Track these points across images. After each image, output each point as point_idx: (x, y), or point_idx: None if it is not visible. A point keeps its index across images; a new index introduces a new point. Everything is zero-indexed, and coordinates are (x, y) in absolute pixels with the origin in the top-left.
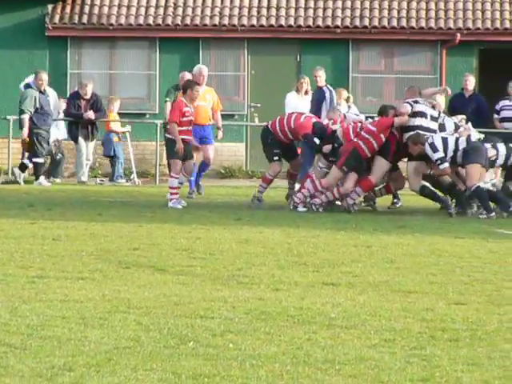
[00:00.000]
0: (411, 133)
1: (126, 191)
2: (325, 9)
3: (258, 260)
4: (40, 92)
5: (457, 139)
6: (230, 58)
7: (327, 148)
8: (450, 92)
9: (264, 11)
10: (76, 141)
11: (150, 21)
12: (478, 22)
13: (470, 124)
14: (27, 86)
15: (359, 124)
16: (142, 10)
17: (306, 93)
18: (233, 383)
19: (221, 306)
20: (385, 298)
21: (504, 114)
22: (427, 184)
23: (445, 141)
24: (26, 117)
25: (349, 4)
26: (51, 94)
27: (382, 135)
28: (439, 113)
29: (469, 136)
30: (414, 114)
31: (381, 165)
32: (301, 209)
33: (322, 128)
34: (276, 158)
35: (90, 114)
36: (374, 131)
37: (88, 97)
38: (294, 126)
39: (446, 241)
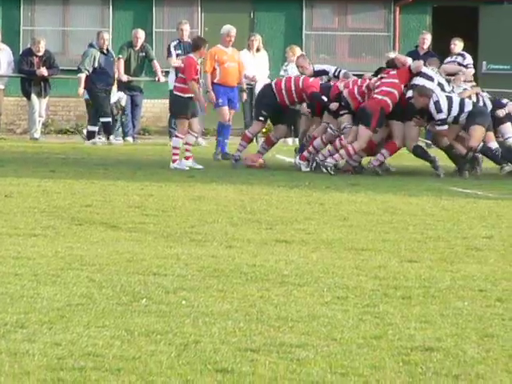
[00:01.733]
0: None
1: (80, 148)
2: None
3: (210, 217)
4: (101, 52)
5: (462, 100)
6: (184, 15)
7: (334, 105)
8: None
9: None
10: (29, 97)
11: None
12: None
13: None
14: (90, 45)
15: (359, 81)
16: None
17: (258, 50)
18: (185, 340)
19: (173, 264)
20: (338, 256)
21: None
22: (421, 144)
23: (450, 100)
24: (82, 76)
25: None
26: (5, 50)
27: (402, 85)
28: (452, 87)
29: (475, 100)
30: (420, 74)
31: (400, 128)
32: (304, 168)
33: (329, 88)
34: (262, 118)
35: (43, 71)
36: (397, 83)
37: (41, 54)
38: (303, 85)
39: (399, 199)
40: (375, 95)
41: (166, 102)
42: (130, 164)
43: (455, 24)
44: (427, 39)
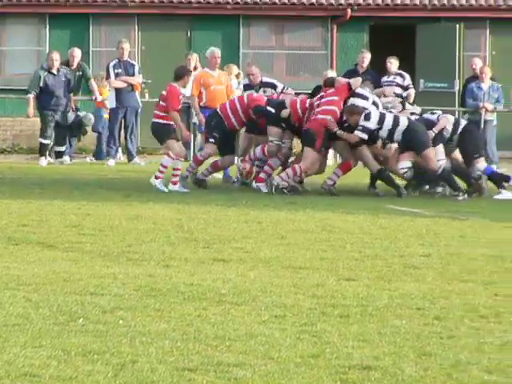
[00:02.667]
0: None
1: (17, 168)
2: None
3: (148, 236)
4: (50, 72)
5: (396, 117)
6: (121, 33)
7: (286, 112)
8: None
9: None
10: None
11: None
12: None
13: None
14: (42, 66)
15: (307, 100)
16: None
17: (195, 69)
18: (122, 360)
19: (111, 283)
20: (275, 274)
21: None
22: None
23: (382, 116)
24: (29, 96)
25: None
26: None
27: (341, 102)
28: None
29: (409, 118)
30: (355, 95)
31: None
32: (264, 189)
33: (275, 101)
34: (212, 140)
35: None
36: (336, 100)
37: None
38: (248, 101)
39: (337, 217)
40: (317, 115)
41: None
42: (66, 183)
43: (392, 42)
44: (366, 57)
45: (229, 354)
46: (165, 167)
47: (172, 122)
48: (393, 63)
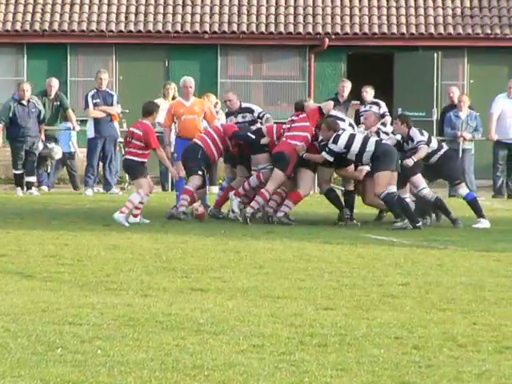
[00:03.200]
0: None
1: None
2: (193, 14)
3: (126, 266)
4: (20, 103)
5: (365, 140)
6: (98, 63)
7: (266, 139)
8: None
9: (132, 17)
10: None
11: (18, 27)
12: (346, 26)
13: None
14: (13, 96)
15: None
16: (10, 16)
17: (174, 98)
18: None
19: (89, 313)
20: (253, 304)
21: (362, 119)
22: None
23: (351, 138)
24: None
25: (217, 9)
26: None
27: (313, 127)
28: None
29: (379, 140)
30: (332, 117)
31: (309, 177)
32: (236, 208)
33: (247, 128)
34: (200, 172)
35: None
36: (308, 126)
37: None
38: (224, 131)
39: (315, 246)
40: (288, 140)
41: (84, 150)
42: (45, 213)
43: (370, 71)
44: (347, 87)
45: (207, 383)
46: (132, 203)
47: (145, 160)
48: (368, 92)
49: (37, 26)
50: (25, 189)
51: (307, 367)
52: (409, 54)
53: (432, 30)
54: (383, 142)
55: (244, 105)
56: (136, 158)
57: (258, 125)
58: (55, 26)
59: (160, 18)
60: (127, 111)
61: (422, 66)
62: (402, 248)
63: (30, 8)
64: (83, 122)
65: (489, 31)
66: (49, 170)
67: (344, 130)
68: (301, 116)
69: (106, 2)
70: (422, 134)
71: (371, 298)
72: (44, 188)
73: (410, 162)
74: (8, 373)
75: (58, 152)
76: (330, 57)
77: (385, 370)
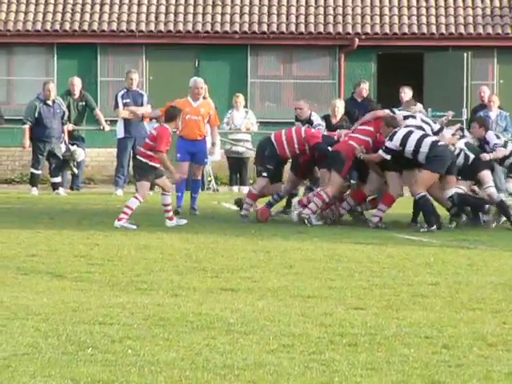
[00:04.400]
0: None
1: (26, 198)
2: (223, 14)
3: (156, 266)
4: (45, 103)
5: (420, 139)
6: (128, 63)
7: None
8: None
9: (162, 17)
10: None
11: (48, 27)
12: (376, 26)
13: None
14: (38, 96)
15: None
16: (40, 16)
17: (204, 98)
18: None
19: (119, 312)
20: (283, 303)
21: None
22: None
23: (407, 135)
24: (25, 127)
25: (247, 9)
26: None
27: (377, 134)
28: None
29: (436, 141)
30: (405, 117)
31: (395, 177)
32: (315, 222)
33: (331, 138)
34: (265, 174)
35: None
36: (372, 131)
37: None
38: (305, 135)
39: (345, 246)
40: (349, 141)
41: (111, 150)
42: (75, 213)
43: (400, 71)
44: (364, 88)
45: (237, 383)
46: (130, 209)
47: (157, 165)
48: (407, 93)
49: (67, 26)
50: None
51: (337, 367)
52: (438, 54)
53: (462, 29)
54: (440, 143)
55: (312, 117)
56: (146, 161)
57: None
58: (85, 26)
59: (190, 18)
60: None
61: (452, 65)
62: (431, 248)
63: (60, 8)
64: (113, 122)
65: None
66: (75, 172)
67: (407, 127)
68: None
69: (136, 1)
70: (498, 137)
71: (401, 297)
72: (61, 190)
73: (486, 156)
74: (39, 372)
75: (80, 154)
76: (359, 57)
77: (415, 370)
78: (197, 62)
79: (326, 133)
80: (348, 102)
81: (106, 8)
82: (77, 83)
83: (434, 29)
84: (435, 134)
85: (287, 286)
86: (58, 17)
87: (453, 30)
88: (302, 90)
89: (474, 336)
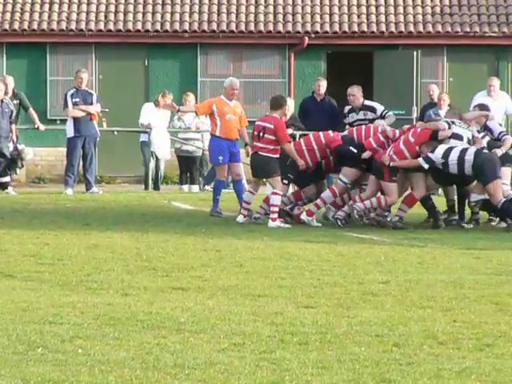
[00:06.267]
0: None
1: None
2: (172, 13)
3: (106, 265)
4: None
5: (463, 150)
6: (78, 63)
7: (368, 153)
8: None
9: (112, 16)
10: None
11: None
12: (326, 25)
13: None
14: None
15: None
16: None
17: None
18: None
19: (69, 312)
20: (234, 302)
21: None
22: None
23: (448, 149)
24: None
25: (196, 8)
26: None
27: (417, 147)
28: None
29: (480, 149)
30: (450, 136)
31: (421, 179)
32: (315, 223)
33: (351, 139)
34: (286, 181)
35: None
36: (413, 142)
37: None
38: (325, 141)
39: (296, 245)
40: (387, 149)
41: (61, 150)
42: (25, 213)
43: (350, 69)
44: (322, 85)
45: (188, 382)
46: (276, 206)
47: (278, 156)
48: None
49: (16, 26)
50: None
51: (288, 365)
52: (388, 53)
53: (411, 28)
54: (484, 151)
55: (367, 102)
56: (271, 155)
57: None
58: (34, 26)
59: (139, 16)
60: (107, 110)
61: (402, 64)
62: (382, 246)
63: (10, 7)
64: (63, 122)
65: (468, 29)
66: (17, 173)
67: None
68: (415, 130)
69: (85, 1)
70: (500, 125)
71: (352, 296)
72: (10, 190)
73: (498, 151)
74: None
75: (28, 153)
76: (309, 55)
77: (365, 368)
78: (146, 61)
79: (384, 121)
80: (307, 100)
81: (56, 7)
82: (10, 82)
83: (383, 27)
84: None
85: (238, 285)
86: (8, 16)
87: (402, 28)
88: (252, 88)
89: (424, 334)
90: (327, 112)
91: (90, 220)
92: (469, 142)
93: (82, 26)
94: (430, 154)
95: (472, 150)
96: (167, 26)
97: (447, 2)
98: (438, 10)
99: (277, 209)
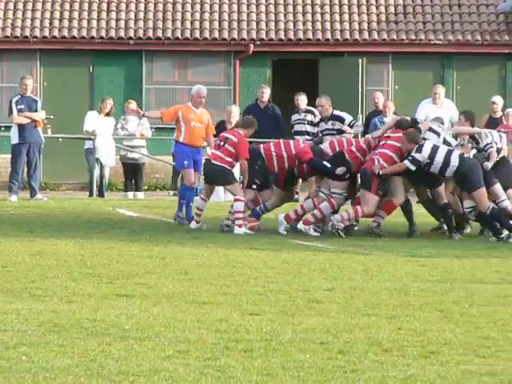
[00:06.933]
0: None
1: None
2: (117, 20)
3: (51, 272)
4: None
5: (449, 152)
6: (23, 69)
7: (342, 170)
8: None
9: (56, 23)
10: None
11: None
12: (271, 32)
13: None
14: None
15: (352, 141)
16: None
17: (108, 114)
18: None
19: (13, 319)
20: (179, 309)
21: (296, 127)
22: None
23: (435, 149)
24: None
25: (142, 15)
26: None
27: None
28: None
29: (463, 154)
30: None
31: (400, 184)
32: (312, 232)
33: (320, 150)
34: (254, 186)
35: None
36: (398, 147)
37: None
38: (295, 151)
39: (240, 252)
40: (374, 156)
41: (6, 156)
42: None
43: (295, 77)
44: (266, 93)
45: None
46: (240, 213)
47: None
48: (302, 100)
49: None
50: None
51: (233, 373)
52: (334, 60)
53: (357, 35)
54: (466, 156)
55: (336, 113)
56: (225, 165)
57: (346, 135)
58: None
59: (85, 23)
60: (51, 117)
61: (347, 71)
62: (327, 253)
63: None
64: (7, 128)
65: (413, 37)
66: None
67: (428, 139)
68: (397, 135)
69: (30, 7)
70: (486, 136)
71: (297, 303)
72: None
73: (488, 165)
74: None
75: None
76: (255, 63)
77: (310, 375)
78: (91, 68)
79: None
80: (250, 107)
81: (1, 14)
82: None
83: (328, 34)
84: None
85: (182, 292)
86: None
87: (348, 35)
88: None
89: (369, 341)
90: (271, 119)
91: (35, 227)
92: (444, 142)
93: (27, 32)
94: (416, 155)
95: (456, 153)
96: (112, 33)
97: (393, 9)
98: (383, 17)
99: (241, 215)
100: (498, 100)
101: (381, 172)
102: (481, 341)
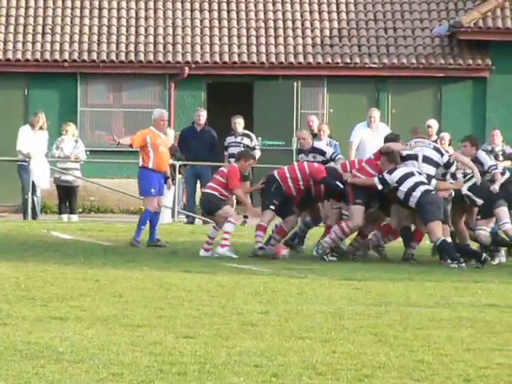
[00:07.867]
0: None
1: None
2: (52, 42)
3: None
4: None
5: (417, 183)
6: None
7: (348, 175)
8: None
9: None
10: None
11: None
12: (206, 55)
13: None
14: None
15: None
16: None
17: (41, 128)
18: None
19: None
20: (113, 332)
21: (231, 150)
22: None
23: (407, 175)
24: None
25: (77, 38)
26: None
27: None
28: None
29: (429, 189)
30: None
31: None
32: (331, 257)
33: (335, 171)
34: (272, 207)
35: None
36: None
37: None
38: (309, 171)
39: (175, 275)
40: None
41: None
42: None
43: (230, 100)
44: (202, 115)
45: None
46: (228, 234)
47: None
48: (240, 123)
49: None
50: None
51: None
52: (268, 83)
53: (292, 59)
54: (432, 192)
55: (316, 145)
56: (215, 193)
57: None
58: None
59: (19, 46)
60: None
61: (282, 95)
62: (261, 276)
63: None
64: None
65: (348, 60)
66: None
67: (405, 165)
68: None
69: None
70: (490, 158)
71: (231, 326)
72: None
73: (496, 187)
74: None
75: None
76: (189, 85)
77: None
78: (26, 91)
79: (333, 164)
80: (186, 130)
81: None
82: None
83: (263, 58)
84: (444, 165)
85: (117, 315)
86: None
87: (283, 59)
88: (132, 118)
89: (303, 365)
90: (207, 142)
91: None
92: (424, 159)
93: None
94: (386, 176)
95: (422, 188)
96: (47, 56)
97: (328, 32)
98: (318, 40)
99: (229, 236)
100: (433, 123)
101: (349, 180)
102: (415, 364)
